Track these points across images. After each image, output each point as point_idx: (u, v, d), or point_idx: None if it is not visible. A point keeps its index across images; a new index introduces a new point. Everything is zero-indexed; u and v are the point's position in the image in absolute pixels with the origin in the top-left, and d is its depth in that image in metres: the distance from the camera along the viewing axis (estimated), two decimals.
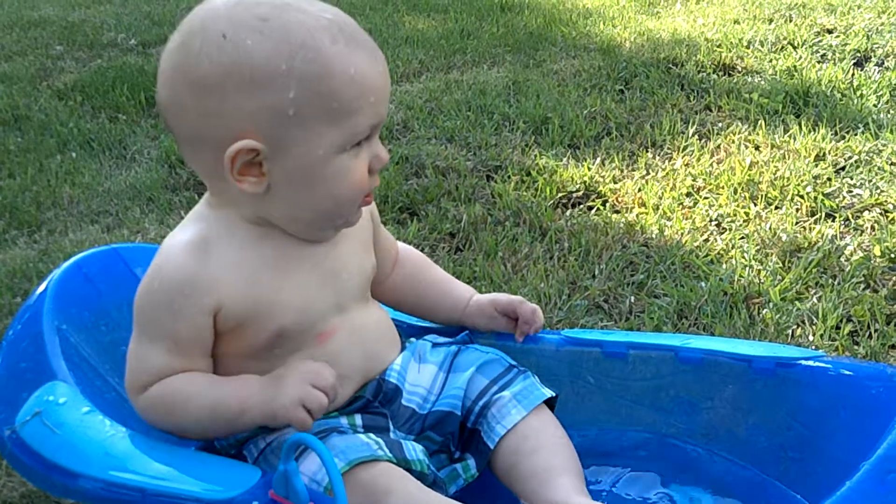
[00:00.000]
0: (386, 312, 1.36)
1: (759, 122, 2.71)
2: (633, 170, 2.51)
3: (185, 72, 1.10)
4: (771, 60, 3.23)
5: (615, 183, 2.43)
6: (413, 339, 1.37)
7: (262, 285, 1.17)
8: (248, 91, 1.07)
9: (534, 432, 1.26)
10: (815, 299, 1.87)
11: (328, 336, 1.22)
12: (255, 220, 1.18)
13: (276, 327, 1.17)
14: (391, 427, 1.24)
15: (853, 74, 3.03)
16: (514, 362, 1.34)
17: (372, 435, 1.17)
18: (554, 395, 1.31)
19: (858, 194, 2.29)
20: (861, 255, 2.01)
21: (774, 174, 2.39)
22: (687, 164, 2.51)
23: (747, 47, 3.39)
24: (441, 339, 1.38)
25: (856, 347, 1.73)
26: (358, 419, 1.22)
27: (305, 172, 1.12)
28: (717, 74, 3.16)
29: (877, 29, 3.44)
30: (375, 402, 1.25)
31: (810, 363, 1.33)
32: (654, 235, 2.15)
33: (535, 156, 2.61)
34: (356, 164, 1.14)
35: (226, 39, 1.07)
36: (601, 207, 2.32)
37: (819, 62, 3.18)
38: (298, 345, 1.20)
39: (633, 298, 1.92)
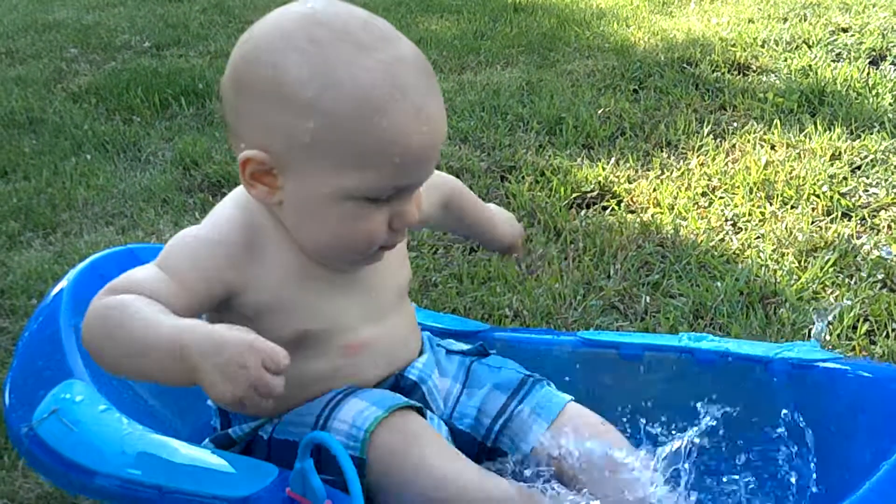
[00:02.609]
0: (415, 316, 1.35)
1: (775, 122, 2.70)
2: (648, 170, 2.51)
3: (235, 66, 1.10)
4: (786, 59, 3.22)
5: (630, 183, 2.43)
6: (428, 334, 1.37)
7: (293, 285, 1.16)
8: (272, 106, 1.06)
9: (563, 432, 1.25)
10: (831, 299, 1.86)
11: (357, 349, 1.21)
12: None
13: (299, 329, 1.16)
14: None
15: (868, 73, 3.01)
16: (527, 372, 1.33)
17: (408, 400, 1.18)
18: (571, 398, 1.30)
19: (875, 193, 2.27)
20: (878, 254, 1.99)
21: (790, 173, 2.38)
22: (702, 164, 2.50)
23: (762, 46, 3.37)
24: (455, 347, 1.37)
25: (873, 347, 1.71)
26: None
27: (312, 205, 1.10)
28: (732, 74, 3.15)
29: (892, 28, 3.42)
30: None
31: (828, 365, 1.32)
32: (669, 235, 2.14)
33: (550, 156, 2.61)
34: (371, 216, 1.10)
35: (273, 50, 1.06)
36: (616, 207, 2.31)
37: (834, 61, 3.17)
38: (324, 352, 1.19)
39: (648, 298, 1.91)
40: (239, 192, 1.20)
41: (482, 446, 1.29)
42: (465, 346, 1.38)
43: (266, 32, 1.08)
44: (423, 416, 1.17)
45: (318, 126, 1.04)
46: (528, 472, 1.26)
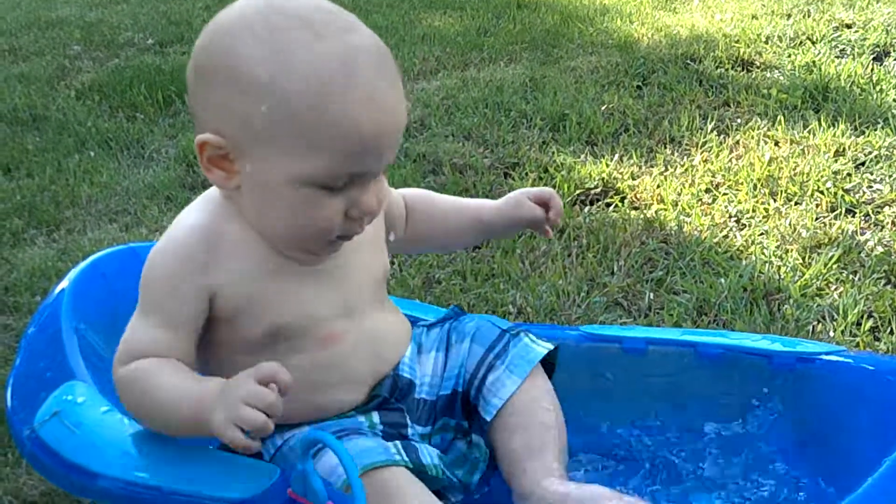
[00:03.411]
0: (398, 309, 1.35)
1: (778, 118, 2.69)
2: (652, 166, 2.50)
3: (197, 53, 1.12)
4: (789, 55, 3.21)
5: (633, 179, 2.42)
6: (415, 328, 1.36)
7: (261, 281, 1.16)
8: (227, 91, 1.07)
9: (523, 407, 1.25)
10: (835, 295, 1.86)
11: (334, 339, 1.20)
12: None
13: (272, 324, 1.16)
14: (408, 422, 1.24)
15: (872, 69, 2.99)
16: (506, 326, 1.32)
17: (397, 444, 1.16)
18: (552, 347, 1.30)
19: (879, 189, 2.26)
20: (882, 250, 1.99)
21: (794, 170, 2.37)
22: (706, 160, 2.49)
23: (766, 42, 3.36)
24: (433, 320, 1.37)
25: (877, 343, 1.71)
26: (376, 417, 1.22)
27: (268, 190, 1.10)
28: (736, 70, 3.14)
29: None
30: (392, 398, 1.25)
31: (831, 358, 1.32)
32: (672, 232, 2.14)
33: (553, 153, 2.60)
34: (326, 204, 1.09)
35: (229, 36, 1.07)
36: (619, 204, 2.30)
37: (838, 57, 3.15)
38: (300, 346, 1.18)
39: (652, 295, 1.91)
40: (199, 198, 1.21)
41: (466, 401, 1.29)
42: (440, 318, 1.37)
43: (227, 19, 1.09)
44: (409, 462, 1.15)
45: (271, 110, 1.04)
46: None
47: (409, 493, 1.10)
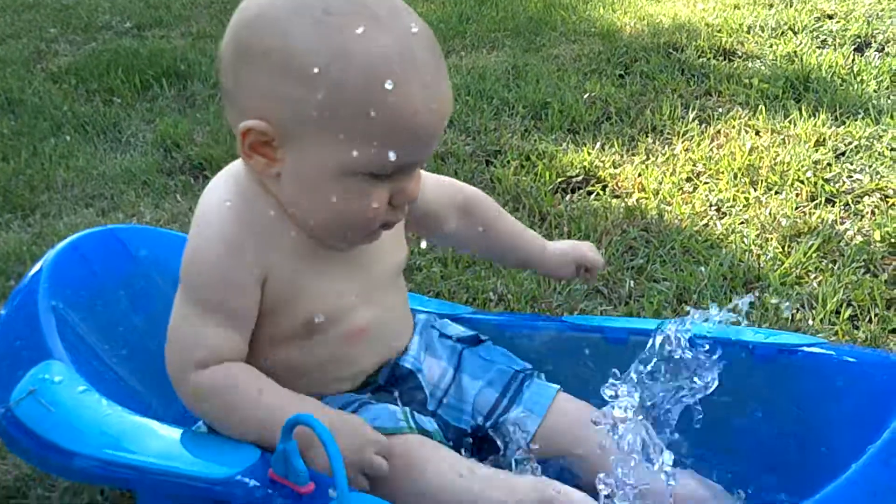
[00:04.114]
0: (406, 291, 1.34)
1: (760, 108, 2.70)
2: (633, 155, 2.50)
3: (239, 31, 1.07)
4: (771, 45, 3.22)
5: (615, 168, 2.42)
6: (422, 317, 1.35)
7: (302, 268, 1.14)
8: (279, 76, 1.03)
9: (558, 431, 1.27)
10: (815, 284, 1.87)
11: (359, 336, 1.20)
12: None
13: (310, 314, 1.15)
14: (399, 406, 1.24)
15: (853, 60, 3.01)
16: (518, 366, 1.33)
17: (405, 410, 1.17)
18: (559, 388, 1.31)
19: (858, 179, 2.28)
20: (861, 239, 2.00)
21: (774, 159, 2.38)
22: (687, 149, 2.49)
23: (748, 32, 3.37)
24: (450, 331, 1.36)
25: (855, 332, 1.72)
26: (367, 397, 1.22)
27: (313, 179, 1.07)
28: (718, 59, 3.15)
29: (877, 14, 3.42)
30: (387, 386, 1.24)
31: (813, 350, 1.32)
32: (653, 220, 2.14)
33: (535, 141, 2.60)
34: (373, 193, 1.08)
35: (283, 19, 1.03)
36: (601, 192, 2.30)
37: (819, 47, 3.17)
38: (328, 338, 1.17)
39: (632, 283, 1.91)
40: (222, 176, 1.17)
41: (474, 438, 1.29)
42: (460, 330, 1.36)
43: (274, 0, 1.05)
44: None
45: (326, 98, 1.02)
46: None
47: (433, 458, 1.12)
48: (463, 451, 1.26)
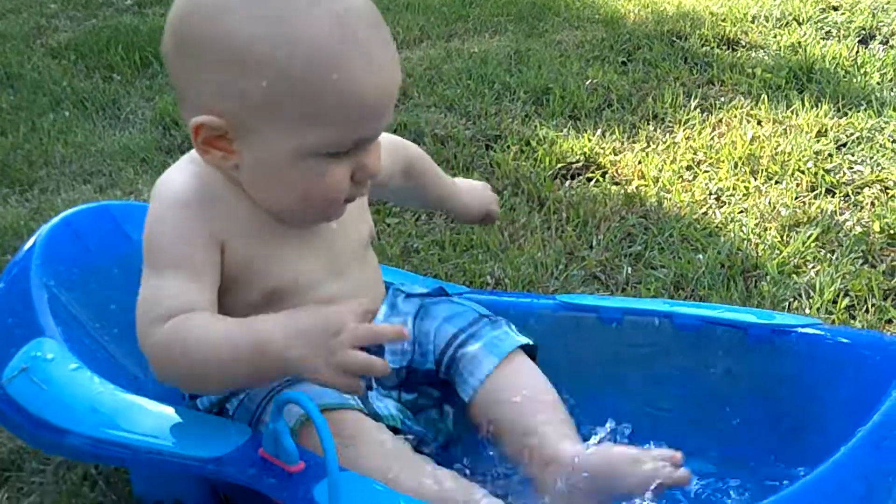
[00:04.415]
0: (379, 270, 1.34)
1: (762, 97, 2.69)
2: (634, 142, 2.49)
3: (179, 26, 1.06)
4: (775, 36, 3.20)
5: (615, 155, 2.41)
6: (388, 286, 1.35)
7: (260, 242, 1.14)
8: (223, 69, 1.03)
9: (508, 382, 1.23)
10: (812, 273, 1.86)
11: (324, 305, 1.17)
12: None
13: (269, 286, 1.15)
14: (373, 385, 1.23)
15: (857, 52, 2.99)
16: (487, 312, 1.31)
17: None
18: (529, 342, 1.28)
19: (859, 170, 2.27)
20: (860, 230, 2.00)
21: (775, 149, 2.37)
22: (688, 138, 2.48)
23: (752, 22, 3.35)
24: (415, 291, 1.35)
25: (852, 321, 1.72)
26: None
27: (270, 167, 1.07)
28: (721, 48, 3.13)
29: (882, 7, 3.40)
30: None
31: (807, 331, 1.32)
32: (652, 207, 2.13)
33: (536, 126, 2.59)
34: (333, 171, 1.08)
35: (220, 10, 1.02)
36: (600, 179, 2.30)
37: (823, 38, 3.15)
38: (290, 308, 1.16)
39: (630, 269, 1.90)
40: (182, 160, 1.17)
41: (436, 377, 1.27)
42: (424, 290, 1.36)
43: None
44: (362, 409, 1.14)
45: (272, 84, 1.01)
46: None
47: (361, 434, 1.09)
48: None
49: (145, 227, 1.12)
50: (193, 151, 1.16)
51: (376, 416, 1.15)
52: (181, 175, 1.14)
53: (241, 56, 1.01)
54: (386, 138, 1.30)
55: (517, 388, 1.22)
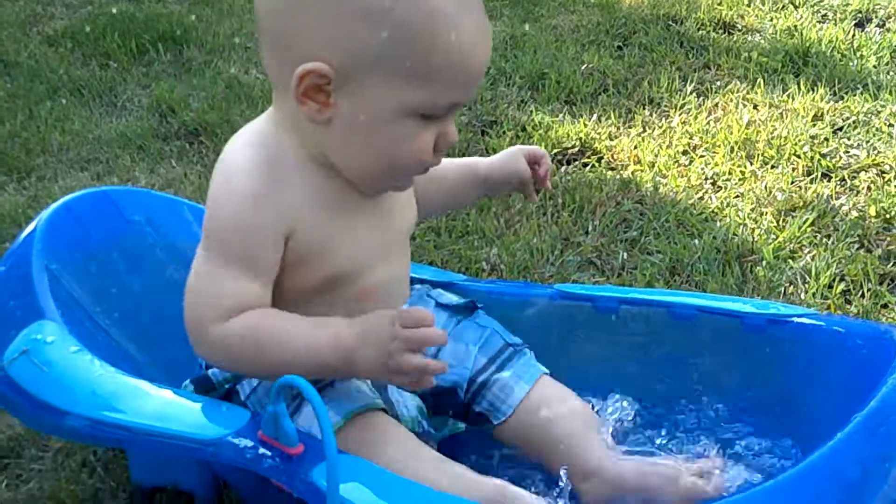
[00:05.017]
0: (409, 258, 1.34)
1: (758, 81, 2.69)
2: (630, 127, 2.49)
3: None
4: (771, 19, 3.20)
5: (611, 140, 2.42)
6: (417, 287, 1.36)
7: (326, 221, 1.14)
8: (342, 17, 1.03)
9: (543, 404, 1.26)
10: (808, 258, 1.87)
11: (369, 295, 1.19)
12: (317, 155, 1.13)
13: (332, 269, 1.15)
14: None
15: (854, 35, 2.99)
16: (511, 340, 1.33)
17: (369, 383, 1.16)
18: (546, 372, 1.31)
19: (855, 155, 2.28)
20: (856, 215, 2.00)
21: (771, 133, 2.37)
22: (684, 122, 2.49)
23: (748, 5, 3.35)
24: (445, 300, 1.36)
25: (848, 306, 1.72)
26: None
27: (369, 121, 1.08)
28: (717, 32, 3.13)
29: None
30: None
31: (802, 320, 1.33)
32: (648, 193, 2.14)
33: (531, 111, 2.59)
34: (423, 135, 1.09)
35: None
36: (596, 164, 2.30)
37: (820, 22, 3.15)
38: (343, 294, 1.17)
39: (625, 255, 1.91)
40: (246, 131, 1.16)
41: (464, 405, 1.29)
42: (454, 299, 1.36)
43: None
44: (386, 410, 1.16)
45: (391, 37, 1.02)
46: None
47: (389, 438, 1.11)
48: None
49: (210, 206, 1.12)
50: (260, 123, 1.16)
51: (397, 418, 1.17)
52: (249, 150, 1.13)
53: (367, 6, 1.02)
54: None
55: (553, 408, 1.25)
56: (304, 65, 1.05)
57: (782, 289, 1.77)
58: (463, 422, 1.29)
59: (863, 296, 1.75)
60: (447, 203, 1.46)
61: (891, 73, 2.72)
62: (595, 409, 1.30)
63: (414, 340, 1.04)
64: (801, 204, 2.05)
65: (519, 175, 1.39)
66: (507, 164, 1.39)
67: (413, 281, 1.41)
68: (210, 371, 1.21)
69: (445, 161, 1.42)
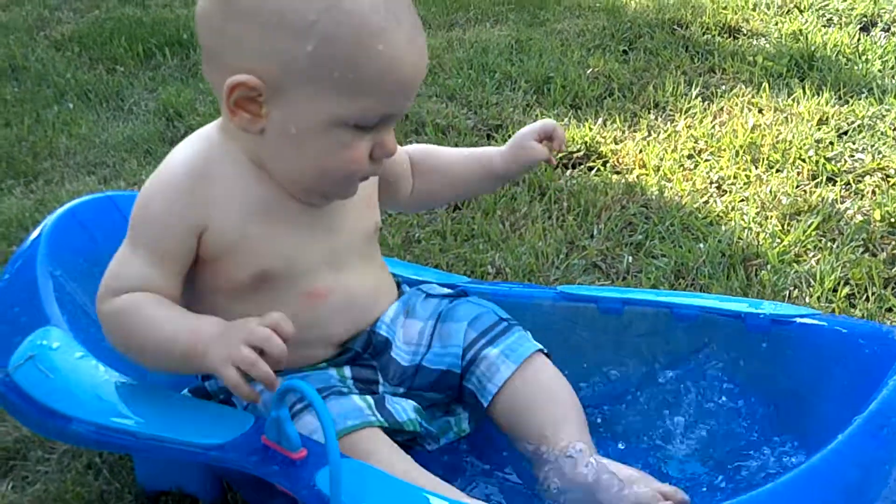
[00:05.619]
0: (387, 269, 1.34)
1: (763, 85, 2.69)
2: (635, 131, 2.50)
3: None
4: (777, 23, 3.20)
5: (616, 144, 2.42)
6: (408, 288, 1.36)
7: (253, 223, 1.15)
8: (271, 31, 1.05)
9: (526, 386, 1.25)
10: (813, 262, 1.87)
11: (318, 297, 1.20)
12: (257, 161, 1.15)
13: (260, 269, 1.16)
14: (380, 379, 1.24)
15: (859, 39, 2.99)
16: (505, 315, 1.32)
17: (368, 398, 1.16)
18: (542, 349, 1.30)
19: (860, 159, 2.27)
20: (861, 218, 2.00)
21: (776, 137, 2.37)
22: (689, 126, 2.49)
23: (753, 10, 3.35)
24: (436, 291, 1.36)
25: (852, 310, 1.72)
26: (347, 371, 1.22)
27: (300, 132, 1.09)
28: (722, 36, 3.13)
29: None
30: (365, 354, 1.24)
31: (806, 321, 1.33)
32: (653, 196, 2.14)
33: (537, 115, 2.59)
34: (356, 145, 1.10)
35: None
36: (601, 168, 2.30)
37: (825, 26, 3.15)
38: (285, 298, 1.18)
39: (630, 258, 1.91)
40: (194, 135, 1.20)
41: (454, 383, 1.28)
42: (446, 290, 1.37)
43: None
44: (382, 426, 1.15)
45: (317, 50, 1.04)
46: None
47: (379, 453, 1.11)
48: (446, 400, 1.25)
49: (139, 195, 1.17)
50: (208, 128, 1.19)
51: (399, 424, 1.16)
52: (187, 150, 1.17)
53: (291, 20, 1.04)
54: None
55: (533, 393, 1.24)
56: (233, 77, 1.07)
57: (787, 292, 1.77)
58: (459, 404, 1.29)
59: (867, 299, 1.75)
60: (455, 195, 1.49)
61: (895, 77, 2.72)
62: (592, 409, 1.30)
63: (253, 335, 1.03)
64: (806, 208, 2.05)
65: (535, 160, 1.41)
66: (521, 154, 1.40)
67: (413, 283, 1.41)
68: (206, 382, 1.21)
69: (449, 151, 1.45)
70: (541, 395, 1.24)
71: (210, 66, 1.13)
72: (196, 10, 1.14)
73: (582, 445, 1.18)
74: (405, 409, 1.20)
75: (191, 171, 1.14)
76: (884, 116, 2.47)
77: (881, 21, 3.16)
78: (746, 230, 1.99)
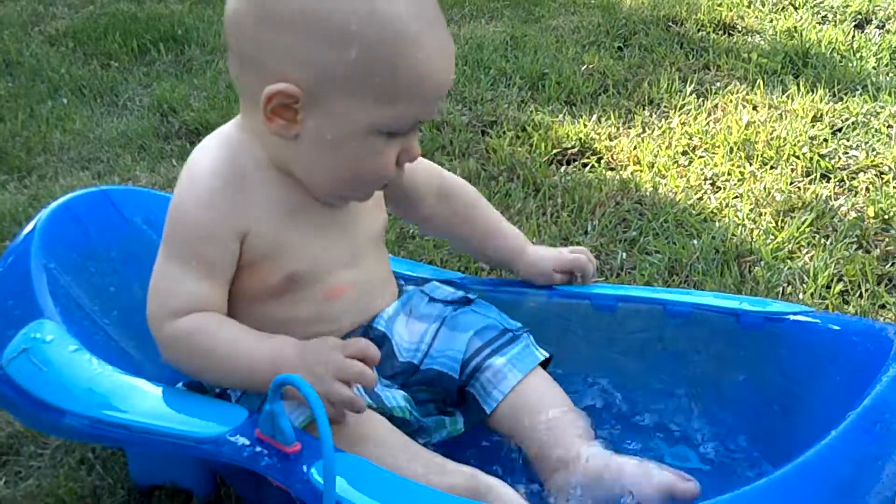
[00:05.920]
0: (388, 259, 1.35)
1: (758, 82, 2.69)
2: (630, 127, 2.50)
3: None
4: (771, 20, 3.20)
5: (611, 140, 2.42)
6: (410, 288, 1.37)
7: (285, 225, 1.16)
8: (311, 39, 1.05)
9: (533, 392, 1.26)
10: (806, 258, 1.87)
11: (336, 294, 1.22)
12: (280, 164, 1.16)
13: (290, 270, 1.17)
14: (374, 372, 1.24)
15: (853, 36, 3.00)
16: (510, 325, 1.33)
17: (358, 387, 1.16)
18: (548, 355, 1.31)
19: (854, 156, 2.28)
20: (854, 215, 2.01)
21: (771, 134, 2.38)
22: (683, 123, 2.49)
23: (748, 7, 3.35)
24: (439, 295, 1.36)
25: (846, 307, 1.73)
26: None
27: (335, 139, 1.10)
28: (717, 33, 3.13)
29: None
30: None
31: (799, 318, 1.33)
32: (647, 193, 2.14)
33: (531, 112, 2.59)
34: (386, 151, 1.12)
35: None
36: (596, 164, 2.30)
37: (820, 23, 3.15)
38: (310, 296, 1.19)
39: (624, 255, 1.92)
40: (213, 137, 1.19)
41: (458, 391, 1.29)
42: (449, 290, 1.37)
43: None
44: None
45: (358, 58, 1.04)
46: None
47: (372, 434, 1.11)
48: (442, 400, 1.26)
49: (171, 206, 1.15)
50: (226, 130, 1.19)
51: (388, 409, 1.17)
52: (213, 156, 1.16)
53: (329, 28, 1.04)
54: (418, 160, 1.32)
55: (540, 401, 1.26)
56: (272, 86, 1.07)
57: (780, 289, 1.78)
58: (456, 408, 1.30)
59: (861, 296, 1.75)
60: (464, 242, 1.50)
61: (890, 74, 2.72)
62: (586, 407, 1.31)
63: (345, 371, 1.06)
64: (800, 204, 2.06)
65: (547, 280, 1.44)
66: (538, 278, 1.44)
67: (409, 280, 1.42)
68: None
69: (486, 203, 1.46)
70: (547, 401, 1.25)
71: (241, 68, 1.13)
72: (226, 11, 1.13)
73: (594, 443, 1.20)
74: (395, 397, 1.20)
75: (225, 177, 1.14)
76: (878, 113, 2.47)
77: (876, 18, 3.17)
78: (740, 227, 1.99)
